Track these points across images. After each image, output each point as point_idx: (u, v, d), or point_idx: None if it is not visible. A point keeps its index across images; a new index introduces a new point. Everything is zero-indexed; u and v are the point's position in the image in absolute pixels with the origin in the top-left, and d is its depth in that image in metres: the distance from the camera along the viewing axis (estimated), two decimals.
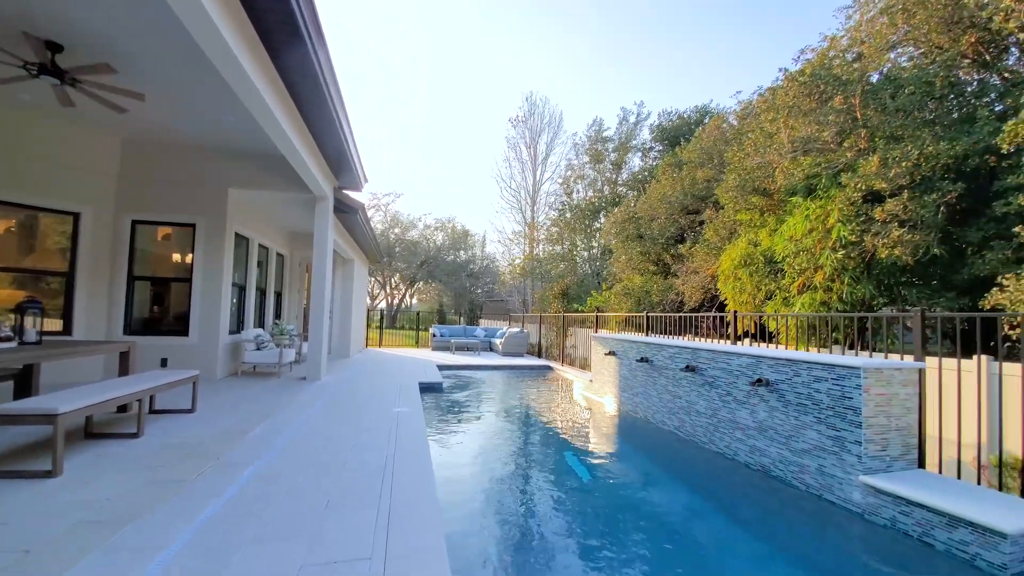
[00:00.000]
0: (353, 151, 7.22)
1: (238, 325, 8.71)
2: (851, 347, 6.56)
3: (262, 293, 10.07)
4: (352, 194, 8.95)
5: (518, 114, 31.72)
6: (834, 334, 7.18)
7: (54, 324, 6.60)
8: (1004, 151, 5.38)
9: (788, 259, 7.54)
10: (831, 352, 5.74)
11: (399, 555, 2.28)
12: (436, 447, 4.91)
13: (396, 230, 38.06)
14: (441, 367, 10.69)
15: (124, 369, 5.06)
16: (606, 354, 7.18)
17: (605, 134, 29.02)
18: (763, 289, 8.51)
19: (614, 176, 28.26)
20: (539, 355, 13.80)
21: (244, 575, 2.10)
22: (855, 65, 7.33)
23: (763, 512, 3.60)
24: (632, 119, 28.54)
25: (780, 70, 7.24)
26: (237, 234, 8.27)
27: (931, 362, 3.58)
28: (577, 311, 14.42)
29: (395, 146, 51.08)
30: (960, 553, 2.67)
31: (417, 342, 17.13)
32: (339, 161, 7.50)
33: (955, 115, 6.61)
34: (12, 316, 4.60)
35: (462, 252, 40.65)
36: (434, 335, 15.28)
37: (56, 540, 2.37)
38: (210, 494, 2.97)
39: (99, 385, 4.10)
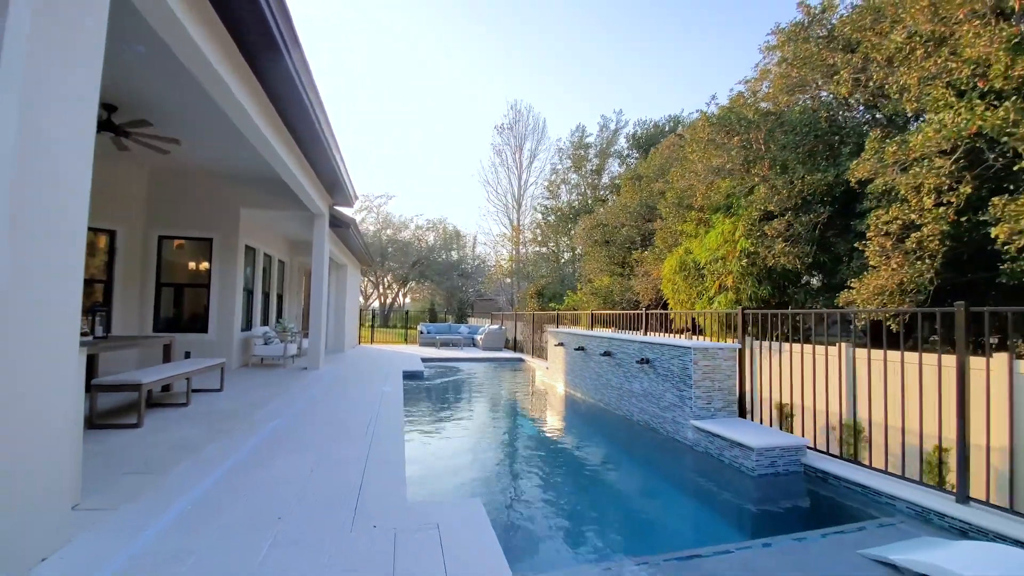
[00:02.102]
0: (344, 175, 8.64)
1: (248, 323, 10.13)
2: (758, 337, 8.11)
3: (267, 295, 11.48)
4: (344, 210, 10.40)
5: (503, 121, 33.17)
6: (752, 328, 8.73)
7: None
8: (853, 183, 6.91)
9: (708, 266, 9.09)
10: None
11: (375, 459, 3.76)
12: (416, 414, 6.39)
13: (388, 231, 38.93)
14: (424, 360, 12.17)
15: (167, 358, 6.51)
16: (556, 345, 8.70)
17: (587, 140, 30.48)
18: (695, 290, 10.06)
19: (595, 181, 29.78)
20: (515, 349, 15.32)
21: (283, 467, 3.58)
22: (761, 105, 8.86)
23: (641, 448, 5.14)
24: (612, 126, 30.03)
25: (697, 110, 8.76)
26: (246, 246, 9.69)
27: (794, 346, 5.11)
28: (554, 309, 15.93)
29: (388, 147, 52.33)
30: (735, 463, 4.19)
31: (406, 339, 18.60)
32: (333, 184, 8.94)
33: (832, 150, 8.15)
34: (86, 317, 6.04)
35: (454, 252, 41.61)
36: (421, 332, 16.75)
37: (160, 456, 3.82)
38: (249, 435, 4.44)
39: (158, 368, 5.55)
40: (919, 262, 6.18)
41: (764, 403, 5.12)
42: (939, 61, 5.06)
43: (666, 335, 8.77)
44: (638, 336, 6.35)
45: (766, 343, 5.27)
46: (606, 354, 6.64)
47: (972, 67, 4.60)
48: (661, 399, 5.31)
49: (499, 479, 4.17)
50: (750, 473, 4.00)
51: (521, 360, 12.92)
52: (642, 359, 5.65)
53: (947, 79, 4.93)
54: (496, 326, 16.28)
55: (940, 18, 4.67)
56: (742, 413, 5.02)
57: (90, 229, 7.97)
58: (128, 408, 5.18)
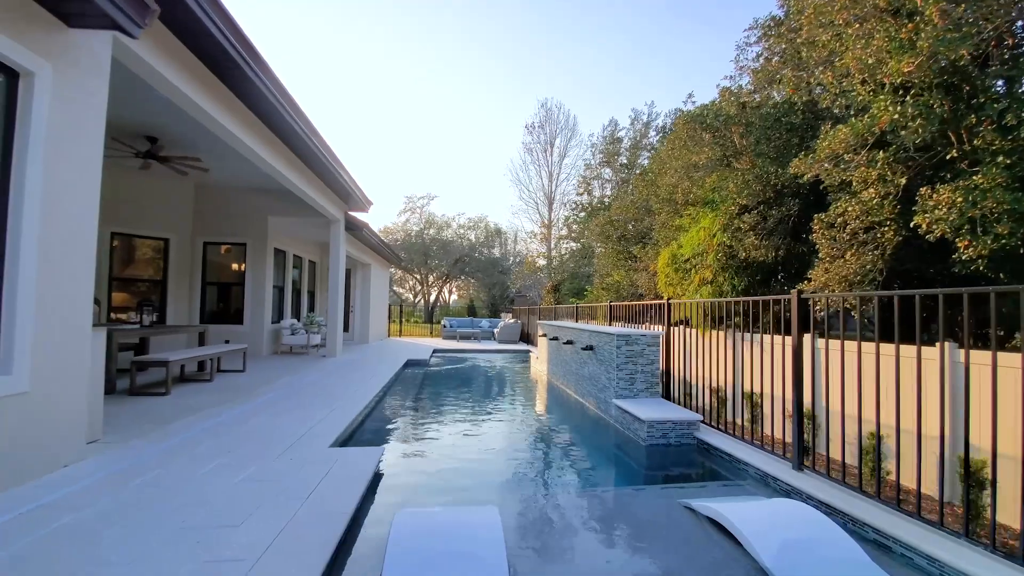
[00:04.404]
0: (353, 187, 9.75)
1: (279, 316, 11.59)
2: (741, 328, 8.34)
3: (298, 292, 12.97)
4: (360, 215, 11.57)
5: (534, 120, 33.76)
6: (736, 319, 8.96)
7: (154, 315, 9.63)
8: (798, 177, 7.01)
9: (691, 259, 9.36)
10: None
11: (326, 421, 4.71)
12: (402, 393, 7.34)
13: (431, 231, 40.60)
14: (437, 351, 13.20)
15: (202, 343, 7.89)
16: (540, 335, 9.36)
17: (619, 135, 30.41)
18: (685, 283, 10.31)
19: (627, 176, 29.64)
20: (529, 342, 16.03)
21: (257, 423, 4.60)
22: (742, 101, 8.99)
23: (583, 424, 5.74)
24: (644, 119, 29.73)
25: (676, 110, 9.05)
26: (276, 249, 11.12)
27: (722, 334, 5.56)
28: (573, 304, 16.47)
29: (430, 148, 54.33)
30: (635, 434, 4.75)
31: (431, 333, 19.84)
32: (345, 195, 10.11)
33: (804, 143, 8.18)
34: (136, 310, 7.49)
35: (495, 249, 42.52)
36: (444, 326, 17.87)
37: (175, 413, 4.96)
38: (247, 402, 5.55)
39: (188, 350, 6.85)
40: (872, 252, 6.30)
41: (686, 382, 5.57)
42: (848, 60, 5.22)
43: (648, 327, 9.15)
44: (589, 325, 6.92)
45: (691, 329, 5.69)
46: (568, 343, 7.25)
47: (881, 66, 4.79)
48: (598, 381, 5.90)
49: (441, 443, 4.98)
50: (642, 443, 4.55)
51: (528, 352, 13.62)
52: (587, 346, 6.24)
53: (861, 76, 5.11)
54: (513, 320, 17.07)
55: (829, 22, 4.88)
56: (667, 395, 5.51)
57: (148, 237, 9.66)
58: (162, 381, 6.49)
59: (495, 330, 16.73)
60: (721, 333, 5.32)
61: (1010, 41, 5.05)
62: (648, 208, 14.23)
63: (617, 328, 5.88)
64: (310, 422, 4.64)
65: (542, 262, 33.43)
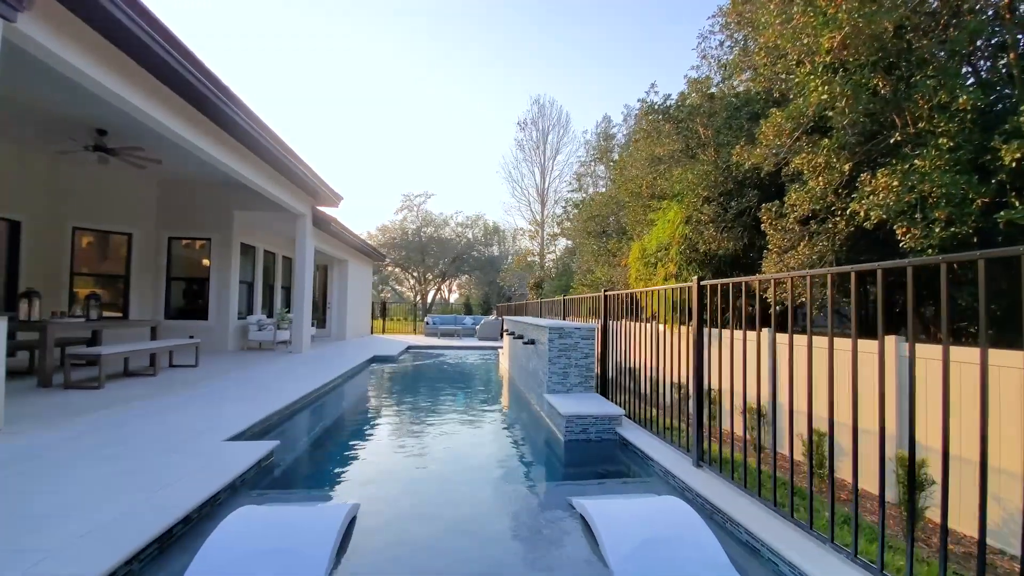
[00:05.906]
0: (319, 184, 9.65)
1: (248, 312, 11.53)
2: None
3: (270, 288, 12.91)
4: (330, 210, 11.48)
5: (526, 117, 33.51)
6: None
7: (117, 311, 9.60)
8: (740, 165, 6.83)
9: (657, 253, 9.19)
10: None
11: (238, 416, 4.61)
12: (355, 389, 7.24)
13: (428, 228, 40.42)
14: (411, 347, 13.10)
15: (154, 337, 7.83)
16: (505, 331, 9.23)
17: (612, 131, 30.14)
18: (653, 277, 10.14)
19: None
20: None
21: (171, 417, 4.51)
22: (711, 91, 8.81)
23: (520, 421, 5.60)
24: (636, 114, 29.45)
25: (639, 100, 8.89)
26: (244, 244, 11.05)
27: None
28: (539, 301, 16.33)
29: (428, 146, 54.22)
30: (556, 426, 4.62)
31: (415, 330, 19.77)
32: (313, 190, 10.02)
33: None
34: (83, 303, 7.44)
35: (494, 247, 42.29)
36: (427, 323, 17.78)
37: (99, 407, 4.87)
38: (189, 393, 5.46)
39: (124, 344, 6.80)
40: (823, 243, 6.11)
41: (622, 376, 5.42)
42: (771, 36, 5.04)
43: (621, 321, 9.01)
44: (531, 319, 6.79)
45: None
46: (518, 337, 7.11)
47: (817, 45, 4.61)
48: (537, 376, 5.76)
49: (351, 439, 4.87)
50: (562, 438, 4.41)
51: (502, 348, 13.50)
52: (529, 340, 6.10)
53: (797, 57, 4.92)
54: (493, 317, 16.96)
55: None
56: (603, 389, 5.36)
57: (110, 232, 9.61)
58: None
59: (476, 327, 16.62)
60: (663, 327, 5.16)
61: (968, 18, 4.87)
62: (622, 203, 14.05)
63: (550, 320, 5.74)
64: (223, 416, 4.55)
65: (533, 259, 33.24)
